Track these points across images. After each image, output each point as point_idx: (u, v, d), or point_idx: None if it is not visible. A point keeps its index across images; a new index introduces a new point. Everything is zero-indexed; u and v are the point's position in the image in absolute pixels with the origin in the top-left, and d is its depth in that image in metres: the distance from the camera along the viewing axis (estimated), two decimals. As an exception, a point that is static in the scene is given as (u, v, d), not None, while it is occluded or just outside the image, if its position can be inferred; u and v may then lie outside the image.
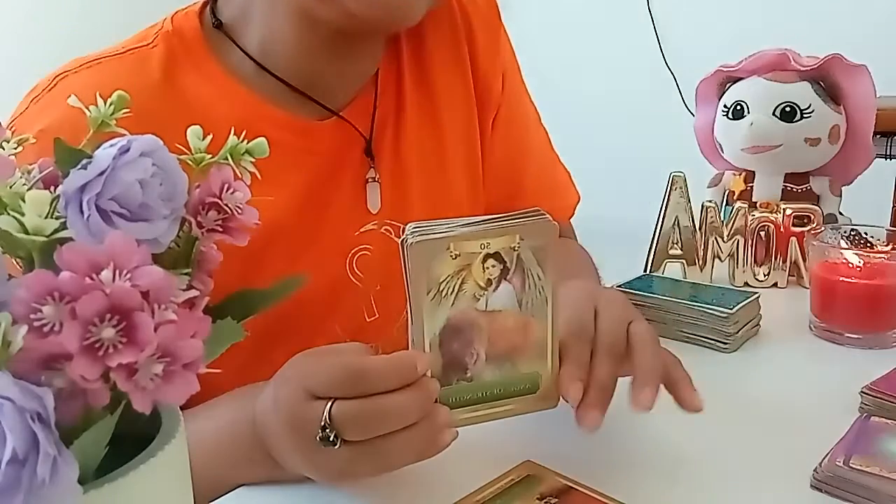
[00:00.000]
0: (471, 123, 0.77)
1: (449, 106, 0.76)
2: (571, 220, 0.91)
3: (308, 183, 0.67)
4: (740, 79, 1.03)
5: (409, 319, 0.49)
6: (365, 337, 0.69)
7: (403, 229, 0.49)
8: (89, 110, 0.32)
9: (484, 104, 0.78)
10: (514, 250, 0.49)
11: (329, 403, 0.45)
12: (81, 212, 0.27)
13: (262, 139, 0.33)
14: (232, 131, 0.33)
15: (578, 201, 0.90)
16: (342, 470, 0.47)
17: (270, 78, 0.66)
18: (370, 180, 0.70)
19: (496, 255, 0.49)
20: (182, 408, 0.30)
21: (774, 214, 0.94)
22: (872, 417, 0.58)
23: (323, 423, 0.44)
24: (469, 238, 0.48)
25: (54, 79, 0.63)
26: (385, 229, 0.71)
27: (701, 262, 0.93)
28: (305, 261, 0.66)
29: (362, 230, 0.70)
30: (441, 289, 0.48)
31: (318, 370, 0.47)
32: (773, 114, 0.97)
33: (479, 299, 0.49)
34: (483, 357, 0.50)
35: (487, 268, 0.49)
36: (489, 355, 0.50)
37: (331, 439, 0.44)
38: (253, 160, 0.33)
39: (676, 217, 0.93)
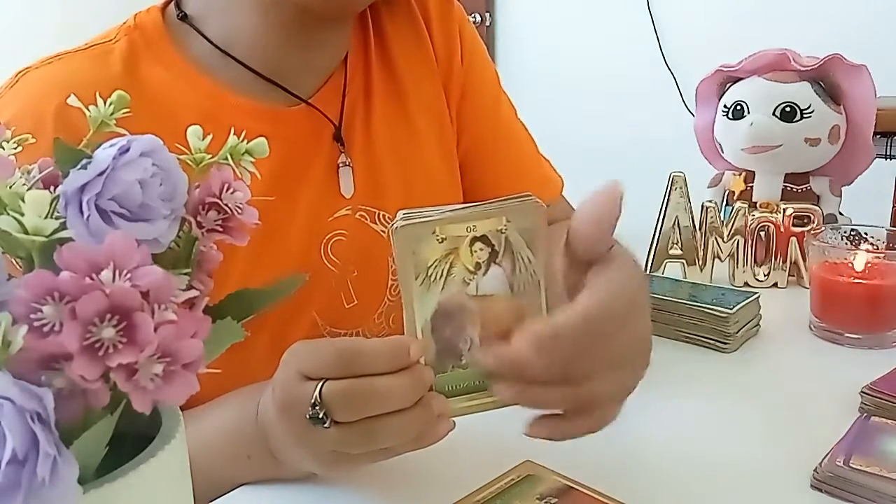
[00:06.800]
0: (440, 107, 0.77)
1: (416, 91, 0.76)
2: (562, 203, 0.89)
3: (277, 170, 0.67)
4: (740, 79, 1.03)
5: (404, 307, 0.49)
6: (345, 324, 0.70)
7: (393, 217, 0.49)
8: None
9: (448, 83, 0.78)
10: (502, 233, 0.48)
11: (320, 383, 0.45)
12: (81, 212, 0.27)
13: (263, 139, 0.33)
14: (232, 131, 0.33)
15: (563, 186, 0.88)
16: (334, 452, 0.47)
17: (236, 66, 0.66)
18: (342, 165, 0.70)
19: (483, 238, 0.48)
20: (182, 408, 0.30)
21: (774, 214, 0.94)
22: (872, 417, 0.58)
23: (313, 401, 0.44)
24: (455, 221, 0.48)
25: (16, 75, 0.64)
26: (360, 215, 0.71)
27: (701, 262, 0.93)
28: (278, 247, 0.66)
29: (336, 215, 0.70)
30: (430, 273, 0.48)
31: (311, 352, 0.47)
32: (773, 114, 0.97)
33: (468, 284, 0.49)
34: (477, 343, 0.49)
35: (475, 251, 0.48)
36: (483, 341, 0.49)
37: (320, 417, 0.44)
38: (253, 160, 0.33)
39: (676, 217, 0.93)
